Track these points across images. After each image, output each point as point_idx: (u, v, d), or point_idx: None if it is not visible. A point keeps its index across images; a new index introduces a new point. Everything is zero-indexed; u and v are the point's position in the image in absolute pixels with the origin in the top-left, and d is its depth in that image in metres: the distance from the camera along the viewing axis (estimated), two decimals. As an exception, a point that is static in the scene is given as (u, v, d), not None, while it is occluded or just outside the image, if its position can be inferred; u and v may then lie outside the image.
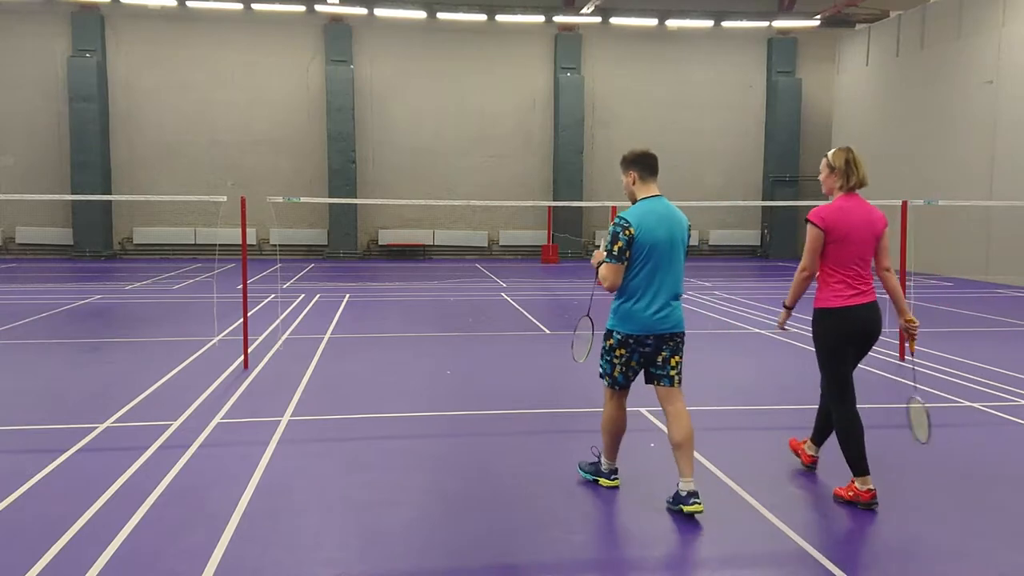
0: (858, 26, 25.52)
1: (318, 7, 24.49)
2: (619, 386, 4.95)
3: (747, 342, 10.57)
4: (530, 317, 12.61)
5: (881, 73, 23.80)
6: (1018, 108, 18.36)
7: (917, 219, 10.97)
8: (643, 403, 7.11)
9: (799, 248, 28.04)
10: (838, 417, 4.90)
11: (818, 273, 5.10)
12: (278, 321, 11.73)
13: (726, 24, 26.37)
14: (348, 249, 25.65)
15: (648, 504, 4.80)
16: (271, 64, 25.78)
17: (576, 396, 7.61)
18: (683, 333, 4.85)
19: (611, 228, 4.77)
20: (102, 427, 6.24)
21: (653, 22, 26.37)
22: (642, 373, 4.93)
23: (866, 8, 24.59)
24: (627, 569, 3.97)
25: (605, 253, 4.72)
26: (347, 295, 15.31)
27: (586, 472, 5.25)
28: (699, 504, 4.54)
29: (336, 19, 25.64)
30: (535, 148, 27.07)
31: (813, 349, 5.18)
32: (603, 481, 5.12)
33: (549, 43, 26.84)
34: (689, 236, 5.01)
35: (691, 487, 4.59)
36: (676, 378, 4.86)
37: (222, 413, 6.68)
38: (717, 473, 5.29)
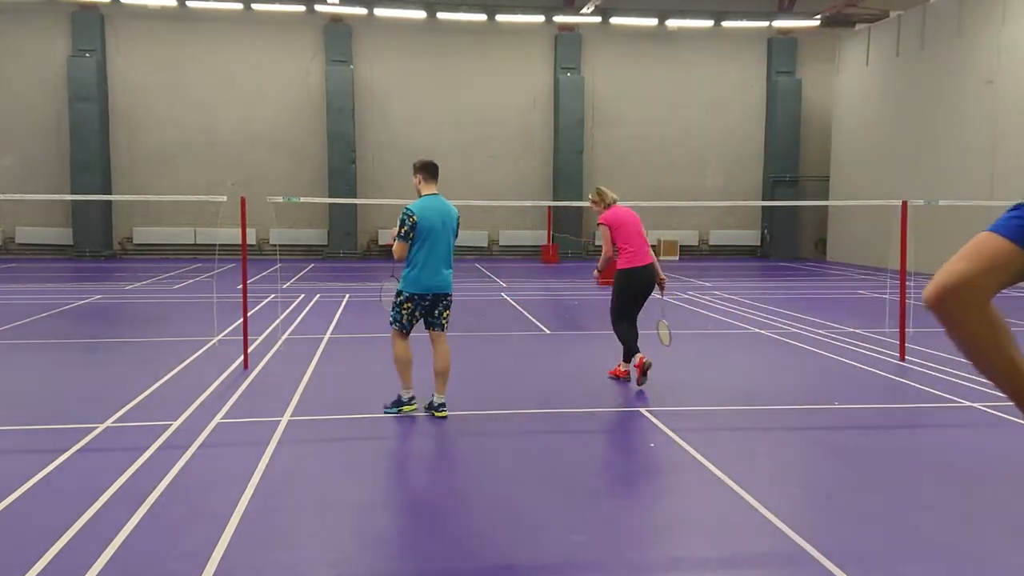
0: (858, 26, 25.52)
1: (318, 7, 24.49)
2: (406, 330, 6.67)
3: (747, 342, 10.56)
4: (530, 317, 12.61)
5: (881, 73, 23.80)
6: (1018, 108, 18.36)
7: (917, 219, 10.95)
8: (643, 403, 7.11)
9: (799, 248, 28.11)
10: (617, 330, 7.94)
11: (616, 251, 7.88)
12: (278, 321, 11.73)
13: (726, 24, 26.38)
14: (348, 249, 25.66)
15: (648, 504, 4.80)
16: (271, 64, 25.78)
17: (576, 396, 7.61)
18: (451, 293, 6.73)
19: (400, 216, 6.51)
20: (102, 427, 6.24)
21: (653, 22, 26.37)
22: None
23: (866, 8, 24.59)
24: (627, 569, 3.97)
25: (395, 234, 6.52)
26: (347, 295, 15.31)
27: (391, 409, 6.72)
28: (445, 412, 6.55)
29: (336, 19, 25.64)
30: (535, 148, 27.07)
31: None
32: (405, 408, 6.67)
33: (549, 43, 26.84)
34: (458, 224, 6.86)
35: (442, 400, 6.61)
36: (444, 325, 6.75)
37: (222, 413, 6.68)
38: (717, 473, 5.29)
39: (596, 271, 8.43)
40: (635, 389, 7.68)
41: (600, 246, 8.27)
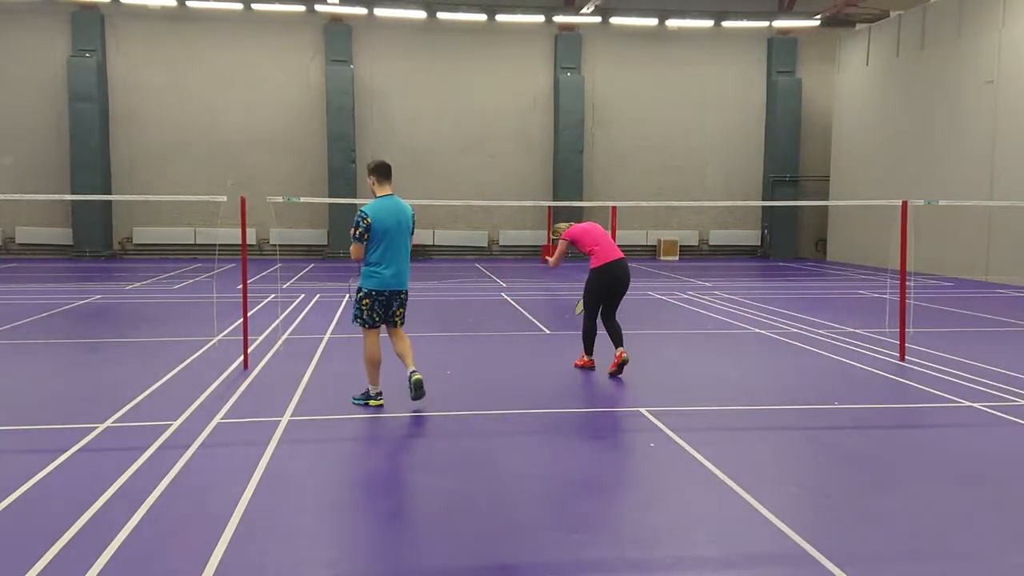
0: (858, 26, 25.52)
1: (318, 7, 24.49)
2: (369, 326, 6.90)
3: (747, 342, 10.56)
4: (530, 317, 12.61)
5: (881, 73, 23.80)
6: (1018, 108, 18.36)
7: (917, 219, 10.98)
8: (643, 403, 7.11)
9: (799, 248, 28.11)
10: (586, 325, 8.46)
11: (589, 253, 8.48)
12: (278, 321, 11.73)
13: (726, 24, 26.38)
14: (348, 249, 25.61)
15: (648, 504, 4.80)
16: (271, 64, 25.78)
17: (576, 396, 7.61)
18: (407, 291, 7.02)
19: (355, 219, 6.75)
20: (102, 427, 6.24)
21: (653, 22, 26.37)
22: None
23: (866, 8, 24.59)
24: (627, 569, 3.97)
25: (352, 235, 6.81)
26: (347, 295, 15.30)
27: (359, 400, 7.01)
28: (419, 376, 6.78)
29: (336, 19, 25.64)
30: (535, 148, 27.07)
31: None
32: (372, 402, 6.92)
33: (549, 43, 26.84)
34: (414, 223, 7.06)
35: (413, 368, 6.86)
36: (399, 323, 7.03)
37: (222, 413, 6.68)
38: (717, 473, 5.29)
39: (579, 309, 8.73)
40: (635, 389, 7.69)
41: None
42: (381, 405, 6.93)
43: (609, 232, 8.76)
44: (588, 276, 8.40)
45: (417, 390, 6.74)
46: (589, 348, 8.59)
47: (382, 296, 6.86)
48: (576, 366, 8.68)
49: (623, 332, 8.37)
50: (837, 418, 6.81)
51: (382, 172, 6.95)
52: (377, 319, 6.90)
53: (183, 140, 25.52)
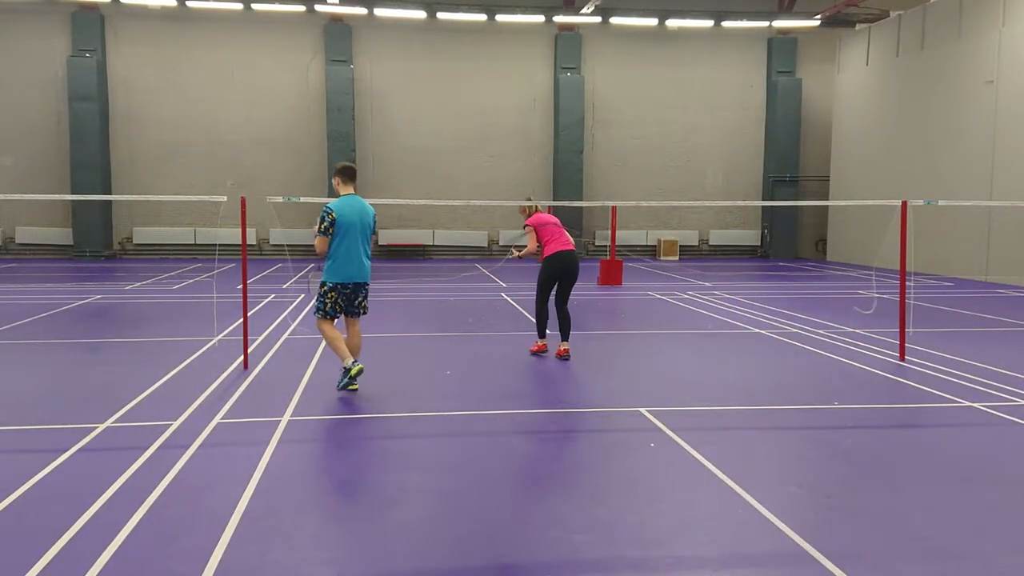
0: (858, 26, 25.52)
1: (318, 7, 24.50)
2: (329, 317, 7.39)
3: (747, 342, 10.56)
4: (530, 317, 12.60)
5: (881, 73, 23.80)
6: (1018, 108, 18.36)
7: (917, 219, 10.98)
8: (643, 403, 7.11)
9: (799, 248, 28.11)
10: (538, 309, 9.28)
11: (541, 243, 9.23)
12: (278, 321, 11.73)
13: (726, 24, 26.38)
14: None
15: (648, 504, 4.80)
16: (271, 64, 25.79)
17: (576, 396, 7.61)
18: (368, 283, 7.53)
19: (320, 214, 7.29)
20: (102, 427, 6.24)
21: (653, 22, 26.37)
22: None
23: (866, 8, 24.60)
24: (627, 569, 3.97)
25: (316, 231, 7.32)
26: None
27: (343, 384, 7.32)
28: (360, 366, 7.29)
29: (336, 19, 25.64)
30: (535, 148, 27.08)
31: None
32: (352, 373, 7.23)
33: (549, 43, 26.85)
34: (375, 221, 7.56)
35: (352, 360, 7.31)
36: (361, 314, 7.55)
37: (222, 413, 6.68)
38: (717, 473, 5.29)
39: (515, 254, 9.82)
40: (635, 389, 7.69)
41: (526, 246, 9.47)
42: (362, 370, 7.30)
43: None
44: (543, 264, 9.26)
45: (351, 381, 7.26)
46: (542, 332, 9.35)
47: (347, 289, 7.37)
48: (532, 352, 9.38)
49: (572, 327, 9.28)
50: (837, 418, 6.81)
51: (347, 173, 7.55)
52: (339, 311, 7.43)
53: (183, 140, 25.52)
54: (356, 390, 7.37)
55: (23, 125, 24.79)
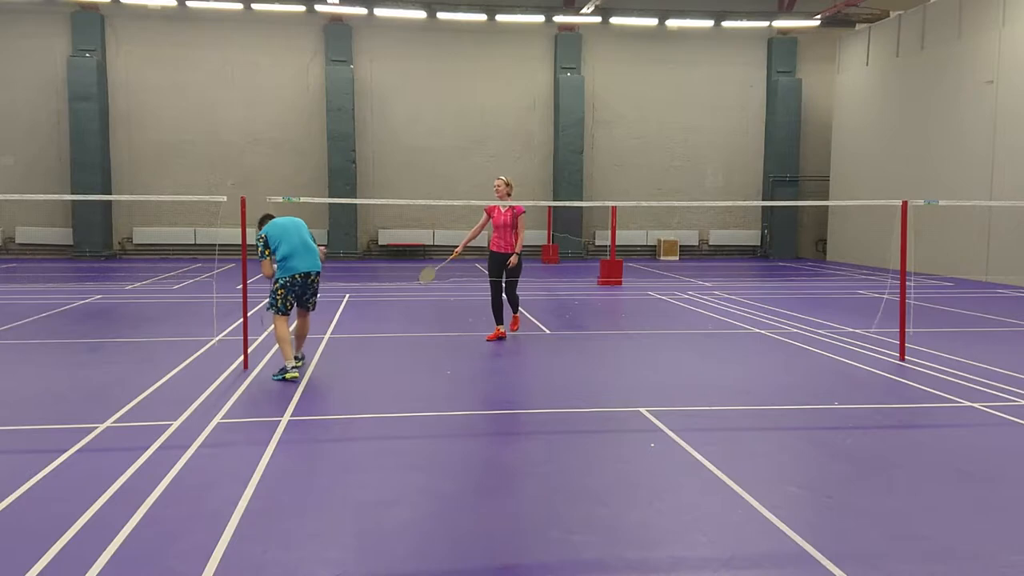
0: (858, 26, 25.52)
1: (318, 7, 24.49)
2: (283, 313, 8.09)
3: (747, 342, 10.56)
4: (530, 317, 12.60)
5: (881, 73, 23.80)
6: (1018, 108, 18.36)
7: (917, 219, 10.98)
8: (643, 403, 7.11)
9: (799, 248, 28.11)
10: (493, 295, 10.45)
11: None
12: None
13: (726, 24, 26.38)
14: (348, 249, 25.66)
15: (648, 504, 4.80)
16: (271, 64, 25.79)
17: (576, 396, 7.61)
18: (319, 272, 8.29)
19: (256, 244, 8.18)
20: (102, 427, 6.24)
21: (653, 22, 26.37)
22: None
23: (866, 8, 24.60)
24: (627, 569, 3.97)
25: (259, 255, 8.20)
26: (347, 295, 15.31)
27: (277, 377, 7.87)
28: (301, 362, 8.40)
29: (336, 19, 25.64)
30: (535, 148, 27.08)
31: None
32: (288, 375, 7.80)
33: (549, 43, 26.85)
34: (306, 228, 8.40)
35: (300, 353, 8.49)
36: (311, 308, 8.44)
37: (222, 413, 6.68)
38: (717, 473, 5.30)
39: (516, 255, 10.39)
40: (635, 389, 7.70)
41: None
42: (297, 371, 7.99)
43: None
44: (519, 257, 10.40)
45: (282, 377, 7.85)
46: (499, 318, 10.46)
47: (295, 283, 8.10)
48: (488, 340, 10.30)
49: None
50: (837, 418, 6.82)
51: (267, 218, 8.47)
52: (290, 306, 8.16)
53: (183, 140, 25.52)
54: (296, 379, 7.90)
55: (23, 125, 24.79)
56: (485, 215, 10.46)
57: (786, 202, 12.98)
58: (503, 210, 10.21)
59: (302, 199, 9.24)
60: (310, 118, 25.96)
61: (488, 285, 10.59)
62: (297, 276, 8.08)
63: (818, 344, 10.20)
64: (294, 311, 8.37)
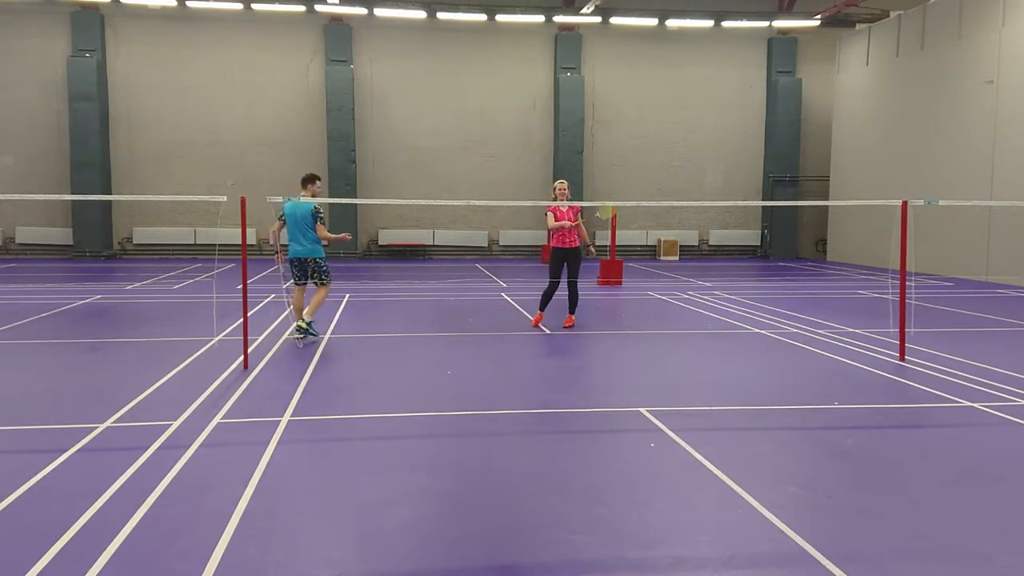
0: (858, 26, 25.52)
1: (318, 7, 24.50)
2: (296, 283, 10.32)
3: (747, 342, 10.56)
4: (530, 317, 12.60)
5: (881, 73, 23.80)
6: (1018, 108, 18.36)
7: (917, 219, 10.98)
8: (643, 403, 7.11)
9: (799, 248, 28.11)
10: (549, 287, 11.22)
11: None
12: (278, 321, 11.73)
13: (726, 24, 26.38)
14: (348, 249, 25.66)
15: (648, 504, 4.80)
16: (271, 64, 25.79)
17: (576, 395, 7.61)
18: (312, 259, 10.17)
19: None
20: (102, 427, 6.24)
21: (653, 22, 26.37)
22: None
23: (866, 8, 24.60)
24: (627, 569, 3.97)
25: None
26: (347, 295, 15.31)
27: (303, 336, 10.02)
28: (305, 324, 10.04)
29: (336, 19, 25.65)
30: (535, 148, 27.08)
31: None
32: (289, 333, 10.16)
33: (549, 43, 26.85)
34: (313, 215, 10.10)
35: (311, 319, 10.11)
36: (318, 284, 10.28)
37: (222, 413, 6.68)
38: (717, 473, 5.29)
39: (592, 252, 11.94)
40: (635, 389, 7.69)
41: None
42: (300, 339, 9.93)
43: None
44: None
45: (298, 331, 9.96)
46: (543, 305, 11.37)
47: (295, 261, 10.16)
48: (533, 324, 11.44)
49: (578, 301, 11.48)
50: (837, 418, 6.81)
51: (303, 180, 10.36)
52: (298, 279, 10.26)
53: (183, 140, 25.52)
54: (301, 338, 9.95)
55: (23, 125, 24.79)
56: (551, 214, 11.00)
57: (786, 202, 12.98)
58: (564, 209, 10.94)
59: (302, 199, 9.23)
60: (310, 118, 25.97)
61: (546, 281, 11.37)
62: (295, 259, 10.12)
63: (818, 344, 10.20)
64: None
